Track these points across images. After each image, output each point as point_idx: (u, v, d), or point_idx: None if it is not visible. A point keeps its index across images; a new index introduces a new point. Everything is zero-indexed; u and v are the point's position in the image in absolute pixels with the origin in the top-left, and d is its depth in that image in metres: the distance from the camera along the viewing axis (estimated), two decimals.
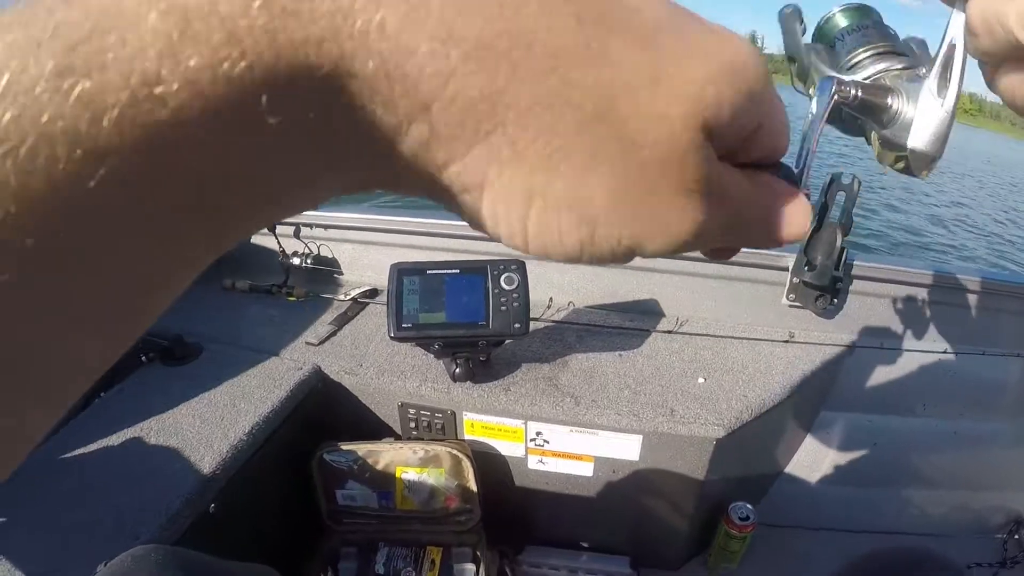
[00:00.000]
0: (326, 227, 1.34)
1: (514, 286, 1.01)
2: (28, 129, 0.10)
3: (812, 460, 1.37)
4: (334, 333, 1.23)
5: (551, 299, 1.29)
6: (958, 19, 0.30)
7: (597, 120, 0.14)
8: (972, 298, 1.32)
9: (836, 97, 0.39)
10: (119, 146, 0.11)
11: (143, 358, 1.14)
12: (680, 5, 0.16)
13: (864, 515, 1.39)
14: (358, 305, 1.29)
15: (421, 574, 1.16)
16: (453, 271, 1.03)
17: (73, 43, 0.10)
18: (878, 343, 1.30)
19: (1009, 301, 1.32)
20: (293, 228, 1.35)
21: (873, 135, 0.44)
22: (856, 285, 1.29)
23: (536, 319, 1.26)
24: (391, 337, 1.01)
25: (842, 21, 0.48)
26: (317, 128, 0.13)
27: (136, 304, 0.13)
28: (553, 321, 1.26)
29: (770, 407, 1.12)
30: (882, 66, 0.44)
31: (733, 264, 1.27)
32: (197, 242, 0.13)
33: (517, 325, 1.00)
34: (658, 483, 1.15)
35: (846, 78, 0.40)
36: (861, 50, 0.46)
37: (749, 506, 1.23)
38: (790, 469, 1.37)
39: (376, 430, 1.20)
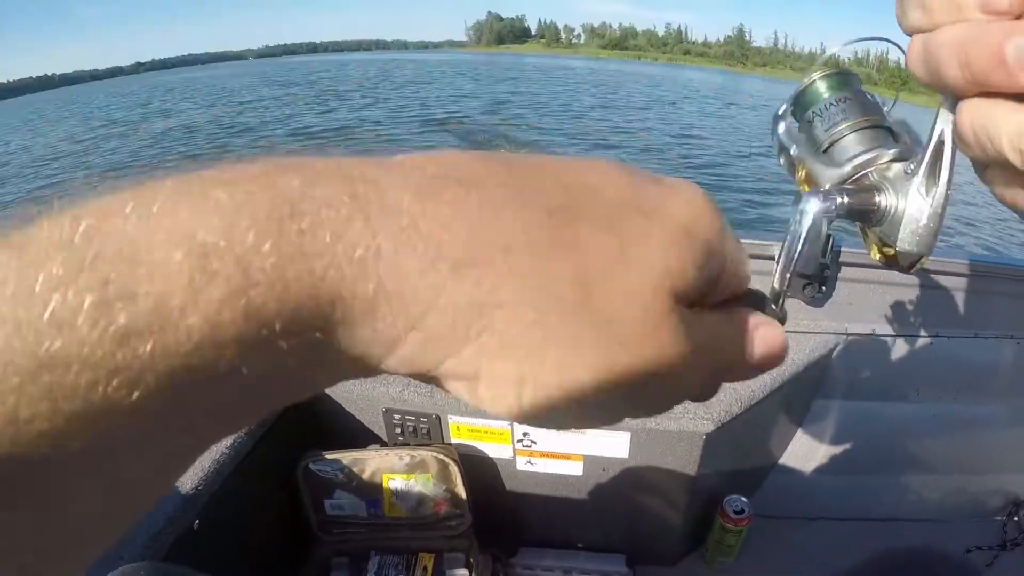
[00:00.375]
0: None
1: None
2: (73, 356, 0.12)
3: (806, 450, 1.35)
4: None
5: None
6: (946, 117, 0.29)
7: (577, 307, 0.15)
8: (963, 281, 1.30)
9: (824, 220, 0.38)
10: (152, 370, 0.12)
11: None
12: (636, 171, 0.18)
13: (861, 503, 1.37)
14: None
15: None
16: None
17: (107, 278, 0.12)
18: (869, 329, 1.29)
19: (1000, 283, 1.30)
20: None
21: (863, 228, 0.44)
22: (845, 272, 1.27)
23: None
24: None
25: (823, 90, 0.47)
26: (321, 344, 0.14)
27: (157, 481, 0.16)
28: None
29: (760, 399, 1.11)
30: (868, 156, 0.43)
31: None
32: (212, 434, 0.16)
33: None
34: (650, 480, 1.13)
35: (833, 194, 0.39)
36: (843, 126, 0.44)
37: (744, 499, 1.21)
38: (784, 460, 1.35)
39: (362, 437, 1.19)
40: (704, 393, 0.21)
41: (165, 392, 0.13)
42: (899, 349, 1.31)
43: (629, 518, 1.20)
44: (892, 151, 0.42)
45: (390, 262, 0.14)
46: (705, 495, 1.21)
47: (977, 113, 0.20)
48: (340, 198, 0.14)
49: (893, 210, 0.39)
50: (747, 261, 0.20)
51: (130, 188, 0.13)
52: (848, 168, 0.43)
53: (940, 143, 0.31)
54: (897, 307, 1.31)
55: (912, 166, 0.35)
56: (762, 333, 0.20)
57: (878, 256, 0.44)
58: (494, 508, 1.18)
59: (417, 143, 8.96)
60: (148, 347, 0.12)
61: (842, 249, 1.25)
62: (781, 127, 0.49)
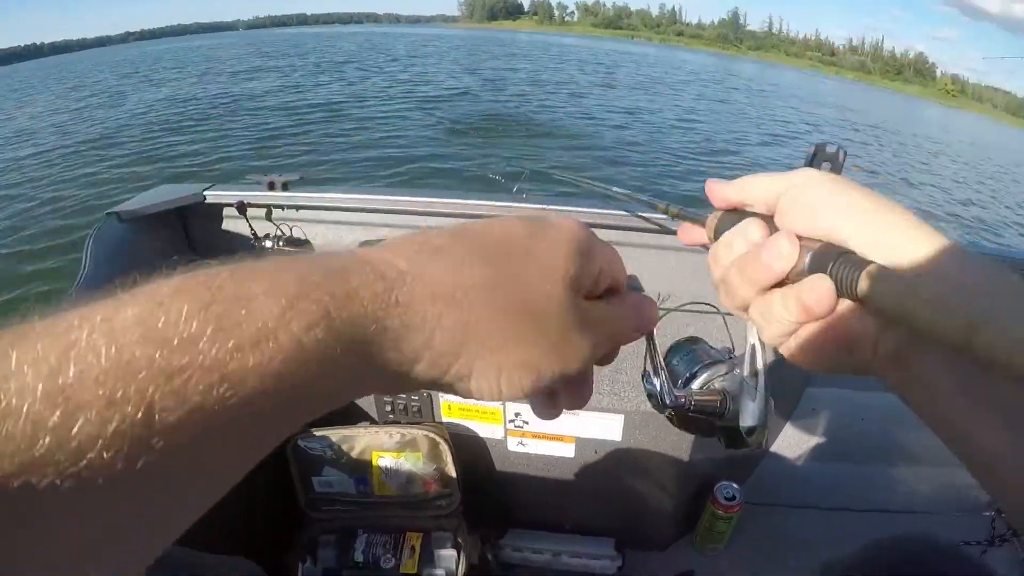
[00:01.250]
0: (298, 208, 1.29)
1: None
2: (195, 367, 0.17)
3: (799, 437, 1.34)
4: None
5: None
6: (753, 332, 0.47)
7: (521, 313, 0.24)
8: None
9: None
10: (252, 378, 0.18)
11: None
12: (532, 218, 0.27)
13: (852, 493, 1.37)
14: None
15: (400, 560, 1.13)
16: None
17: (221, 313, 0.18)
18: None
19: None
20: (265, 210, 1.30)
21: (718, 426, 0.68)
22: None
23: None
24: None
25: (678, 349, 0.79)
26: (366, 362, 0.21)
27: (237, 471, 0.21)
28: None
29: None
30: (708, 373, 0.71)
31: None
32: (284, 430, 0.22)
33: None
34: (642, 463, 1.12)
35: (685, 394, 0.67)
36: (696, 368, 0.73)
37: (735, 485, 1.20)
38: (777, 447, 1.34)
39: (352, 414, 1.17)
40: (608, 356, 0.30)
41: (263, 393, 0.18)
42: None
43: (620, 501, 1.19)
44: (726, 364, 0.72)
45: (406, 304, 0.21)
46: (697, 480, 1.20)
47: (715, 270, 0.36)
48: (368, 274, 0.21)
49: (732, 403, 0.64)
50: (619, 261, 0.30)
51: (257, 267, 0.20)
52: (696, 385, 0.71)
53: (753, 347, 0.48)
54: None
55: (738, 369, 0.60)
56: (637, 307, 0.30)
57: (729, 442, 0.67)
58: (484, 488, 1.17)
59: (413, 121, 8.70)
60: (248, 360, 0.17)
61: None
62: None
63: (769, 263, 0.30)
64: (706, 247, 0.38)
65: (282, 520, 1.20)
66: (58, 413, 0.15)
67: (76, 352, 0.16)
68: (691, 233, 0.39)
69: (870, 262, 0.27)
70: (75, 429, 0.15)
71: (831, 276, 0.28)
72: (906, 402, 0.31)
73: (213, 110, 10.13)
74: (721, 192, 0.35)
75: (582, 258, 0.26)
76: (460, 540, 1.15)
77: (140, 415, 0.15)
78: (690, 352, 0.77)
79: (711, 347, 0.78)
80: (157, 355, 0.16)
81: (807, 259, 0.29)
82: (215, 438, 0.17)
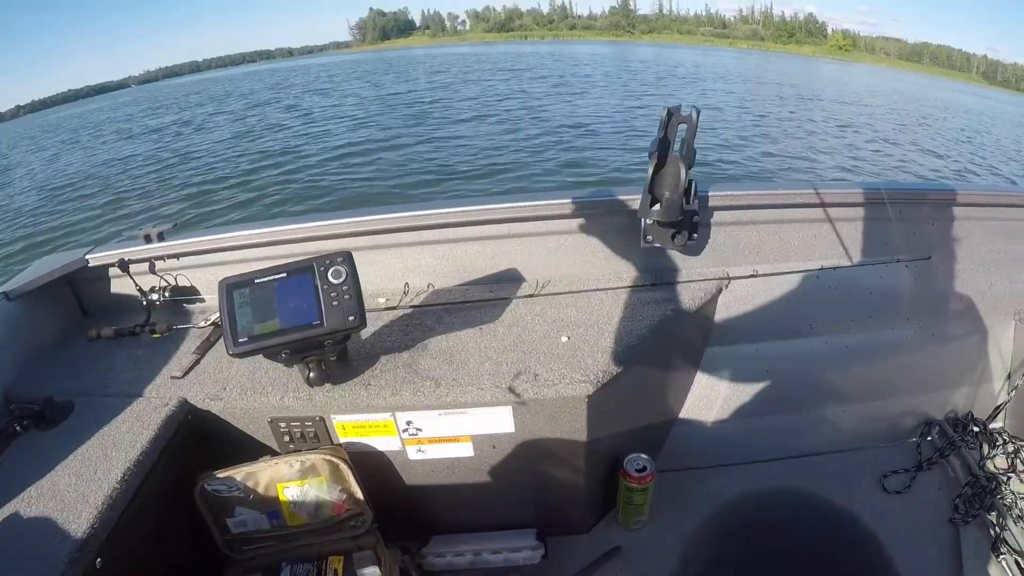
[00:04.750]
0: (178, 256, 1.31)
1: (343, 279, 0.99)
2: None
3: (707, 399, 1.36)
4: (197, 362, 1.19)
5: (407, 284, 1.27)
6: None
7: None
8: (842, 212, 1.31)
9: None
10: None
11: (18, 428, 1.11)
12: None
13: (772, 444, 1.38)
14: (218, 329, 1.26)
15: None
16: (280, 275, 1.00)
17: None
18: (751, 271, 1.30)
19: (880, 209, 1.31)
20: (147, 264, 1.32)
21: None
22: (720, 216, 1.28)
23: (393, 307, 1.23)
24: (230, 354, 0.97)
25: None
26: None
27: None
28: (411, 307, 1.24)
29: (642, 355, 1.11)
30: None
31: (586, 217, 1.25)
32: None
33: (351, 318, 0.98)
34: (544, 450, 1.13)
35: None
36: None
37: (645, 456, 1.22)
38: (686, 412, 1.36)
39: (254, 450, 1.17)
40: None
41: None
42: (786, 286, 1.32)
43: (533, 491, 1.20)
44: None
45: None
46: (605, 458, 1.21)
47: None
48: None
49: None
50: None
51: None
52: None
53: None
54: (778, 245, 1.32)
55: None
56: None
57: None
58: (394, 501, 1.18)
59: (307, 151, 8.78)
60: None
61: (711, 194, 1.26)
62: None
63: None
64: None
65: (205, 567, 1.20)
66: None
67: None
68: None
69: None
70: None
71: None
72: None
73: (95, 170, 10.10)
74: None
75: None
76: (380, 556, 1.15)
77: None
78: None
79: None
80: None
81: None
82: None
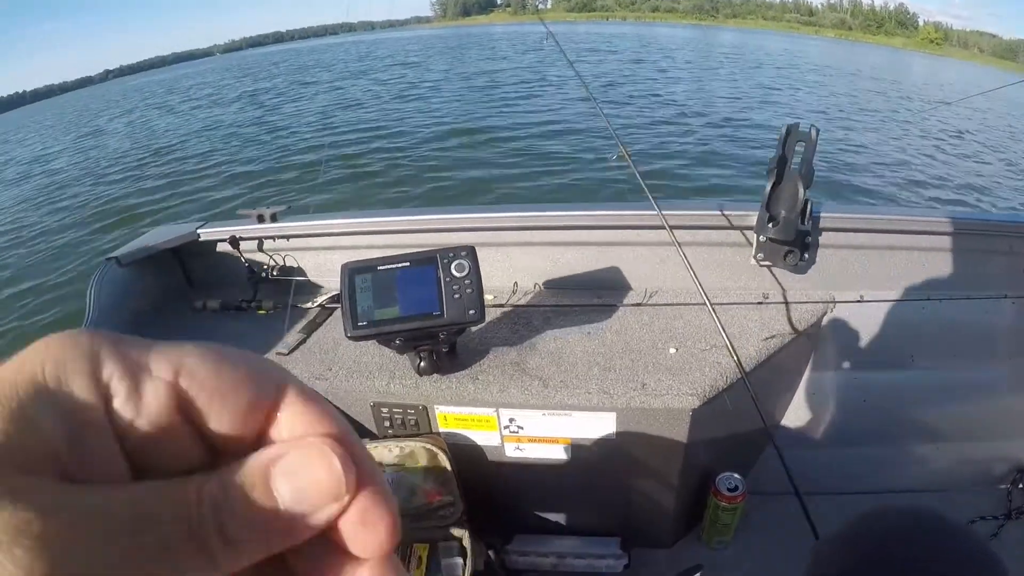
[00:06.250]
0: (288, 237, 1.34)
1: (465, 273, 1.00)
2: None
3: (802, 423, 1.33)
4: (303, 341, 1.22)
5: (516, 283, 1.28)
6: None
7: None
8: (952, 241, 1.27)
9: None
10: None
11: None
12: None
13: (861, 475, 1.35)
14: (325, 311, 1.29)
15: (408, 572, 1.15)
16: (404, 264, 1.01)
17: None
18: (857, 296, 1.27)
19: (992, 241, 1.27)
20: (256, 242, 1.36)
21: None
22: (829, 237, 1.26)
23: (501, 305, 1.24)
24: (348, 336, 1.00)
25: None
26: None
27: None
28: (519, 305, 1.24)
29: (747, 372, 1.09)
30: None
31: (698, 229, 1.24)
32: None
33: (472, 312, 0.99)
34: (640, 460, 1.12)
35: None
36: None
37: (738, 476, 1.20)
38: (780, 434, 1.33)
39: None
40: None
41: None
42: (891, 314, 1.28)
43: (622, 500, 1.19)
44: None
45: None
46: (698, 473, 1.20)
47: None
48: None
49: None
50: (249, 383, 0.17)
51: None
52: None
53: None
54: (885, 272, 1.28)
55: None
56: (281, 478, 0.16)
57: None
58: (486, 496, 1.19)
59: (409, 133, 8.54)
60: None
61: (822, 215, 1.23)
62: None
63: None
64: None
65: None
66: None
67: None
68: None
69: None
70: None
71: None
72: None
73: (201, 142, 10.06)
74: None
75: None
76: (466, 547, 1.17)
77: None
78: None
79: None
80: None
81: None
82: None
